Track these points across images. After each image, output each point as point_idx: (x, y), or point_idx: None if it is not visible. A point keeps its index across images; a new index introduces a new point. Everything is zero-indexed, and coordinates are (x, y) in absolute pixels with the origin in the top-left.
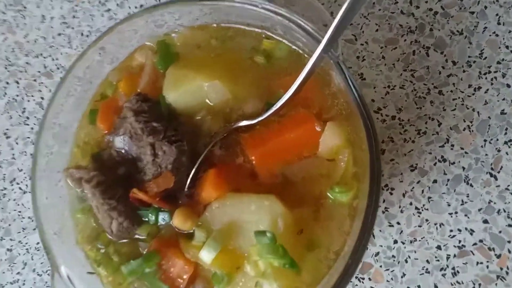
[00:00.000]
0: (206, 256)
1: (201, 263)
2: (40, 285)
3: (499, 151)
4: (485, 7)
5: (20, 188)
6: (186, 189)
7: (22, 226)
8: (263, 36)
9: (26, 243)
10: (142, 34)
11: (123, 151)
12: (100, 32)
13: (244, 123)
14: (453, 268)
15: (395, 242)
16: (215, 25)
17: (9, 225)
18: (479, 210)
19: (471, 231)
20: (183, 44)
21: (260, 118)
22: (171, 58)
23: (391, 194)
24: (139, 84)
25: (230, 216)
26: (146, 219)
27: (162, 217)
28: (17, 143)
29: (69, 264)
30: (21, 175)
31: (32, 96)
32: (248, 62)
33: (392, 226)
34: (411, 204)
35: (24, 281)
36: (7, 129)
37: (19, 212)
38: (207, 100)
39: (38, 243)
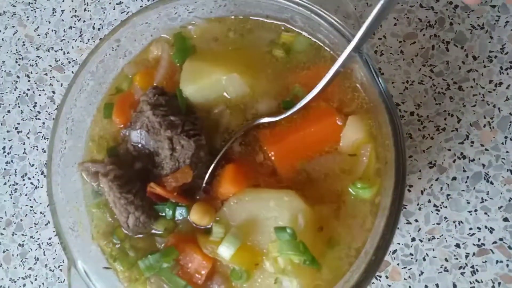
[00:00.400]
0: (225, 251)
1: (219, 259)
2: (52, 281)
3: None
4: None
5: (31, 183)
6: (204, 184)
7: (34, 221)
8: (283, 28)
9: (38, 238)
10: (156, 27)
11: (139, 145)
12: (112, 25)
13: (265, 119)
14: (472, 267)
15: (413, 239)
16: (233, 17)
17: (21, 220)
18: (500, 208)
19: (491, 229)
20: (200, 37)
21: (283, 116)
22: (188, 51)
23: (409, 191)
24: (155, 78)
25: (248, 212)
26: (163, 214)
27: (180, 212)
28: (28, 138)
29: (84, 258)
30: (33, 170)
31: (43, 90)
32: (267, 56)
33: (410, 223)
34: (429, 201)
35: (36, 276)
36: (18, 124)
37: (31, 207)
38: (225, 94)
39: (50, 238)
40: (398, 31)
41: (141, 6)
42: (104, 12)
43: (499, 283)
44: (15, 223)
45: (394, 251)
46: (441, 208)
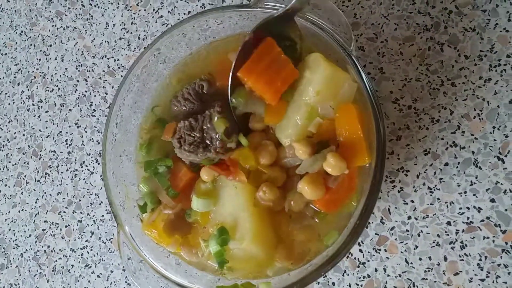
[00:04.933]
0: (195, 206)
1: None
2: (104, 251)
3: (506, 136)
4: (497, 5)
5: (88, 170)
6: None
7: (90, 201)
8: None
9: (93, 216)
10: (190, 37)
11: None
12: (154, 35)
13: None
14: (462, 242)
15: (409, 218)
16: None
17: (79, 200)
18: (487, 190)
19: (479, 209)
20: None
21: None
22: None
23: (406, 175)
24: None
25: (224, 197)
26: None
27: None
28: (85, 132)
29: (130, 226)
30: (89, 159)
31: (98, 91)
32: None
33: (407, 204)
34: (424, 184)
35: (92, 247)
36: (77, 120)
37: (88, 189)
38: None
39: (102, 216)
40: (398, 35)
41: (178, 19)
42: (147, 25)
43: (486, 257)
44: (75, 203)
45: (392, 228)
46: (434, 190)
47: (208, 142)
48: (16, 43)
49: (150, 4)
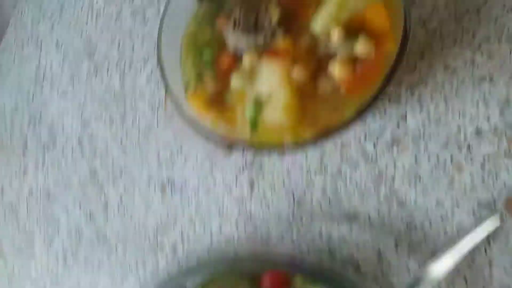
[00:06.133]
0: (234, 83)
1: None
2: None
3: None
4: None
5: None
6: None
7: None
8: None
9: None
10: None
11: None
12: None
13: None
14: (469, 146)
15: (423, 124)
16: None
17: None
18: (497, 104)
19: (488, 118)
20: None
21: None
22: None
23: (425, 88)
24: None
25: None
26: None
27: None
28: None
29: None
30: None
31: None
32: None
33: (423, 110)
34: (440, 93)
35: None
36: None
37: None
38: None
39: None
40: None
41: None
42: None
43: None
44: None
45: (406, 132)
46: (449, 101)
47: (259, 28)
48: None
49: None
